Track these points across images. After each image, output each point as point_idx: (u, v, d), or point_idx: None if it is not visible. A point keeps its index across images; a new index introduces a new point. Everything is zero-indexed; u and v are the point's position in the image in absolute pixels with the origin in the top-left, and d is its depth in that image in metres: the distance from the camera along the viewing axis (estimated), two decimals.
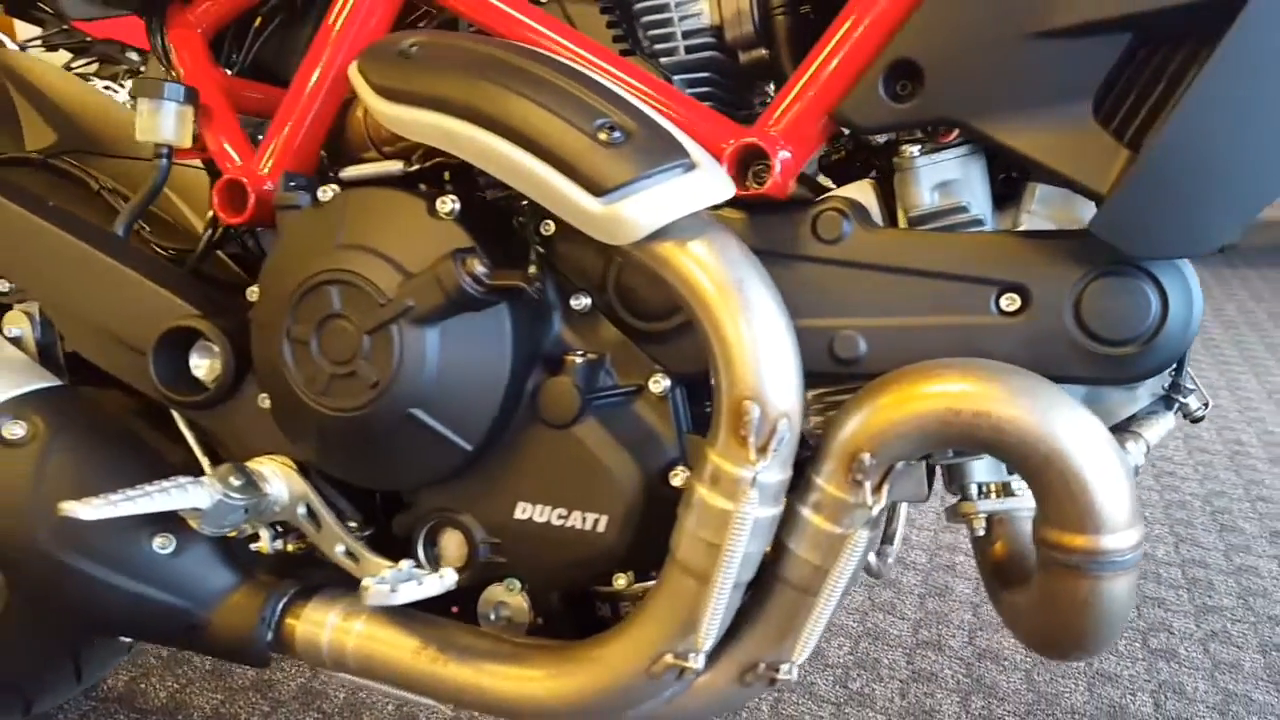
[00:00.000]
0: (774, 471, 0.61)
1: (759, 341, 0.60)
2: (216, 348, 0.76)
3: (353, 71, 0.70)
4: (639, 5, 0.74)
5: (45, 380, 0.80)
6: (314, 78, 0.77)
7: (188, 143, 0.81)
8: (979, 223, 0.68)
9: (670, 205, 0.59)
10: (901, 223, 0.71)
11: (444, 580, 0.69)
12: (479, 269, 0.66)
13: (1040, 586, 0.63)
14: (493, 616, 0.76)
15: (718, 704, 0.70)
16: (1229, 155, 0.54)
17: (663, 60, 0.74)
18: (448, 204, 0.69)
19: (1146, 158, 0.54)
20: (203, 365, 0.77)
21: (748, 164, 0.65)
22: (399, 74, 0.67)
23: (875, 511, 0.62)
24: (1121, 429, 0.68)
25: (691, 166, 0.60)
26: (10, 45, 1.09)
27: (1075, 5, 0.55)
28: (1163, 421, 0.68)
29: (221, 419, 0.78)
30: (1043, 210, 0.71)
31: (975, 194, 0.69)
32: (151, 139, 0.80)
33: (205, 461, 0.80)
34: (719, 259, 0.61)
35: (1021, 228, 0.70)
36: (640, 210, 0.59)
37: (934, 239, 0.66)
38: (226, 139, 0.82)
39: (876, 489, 0.62)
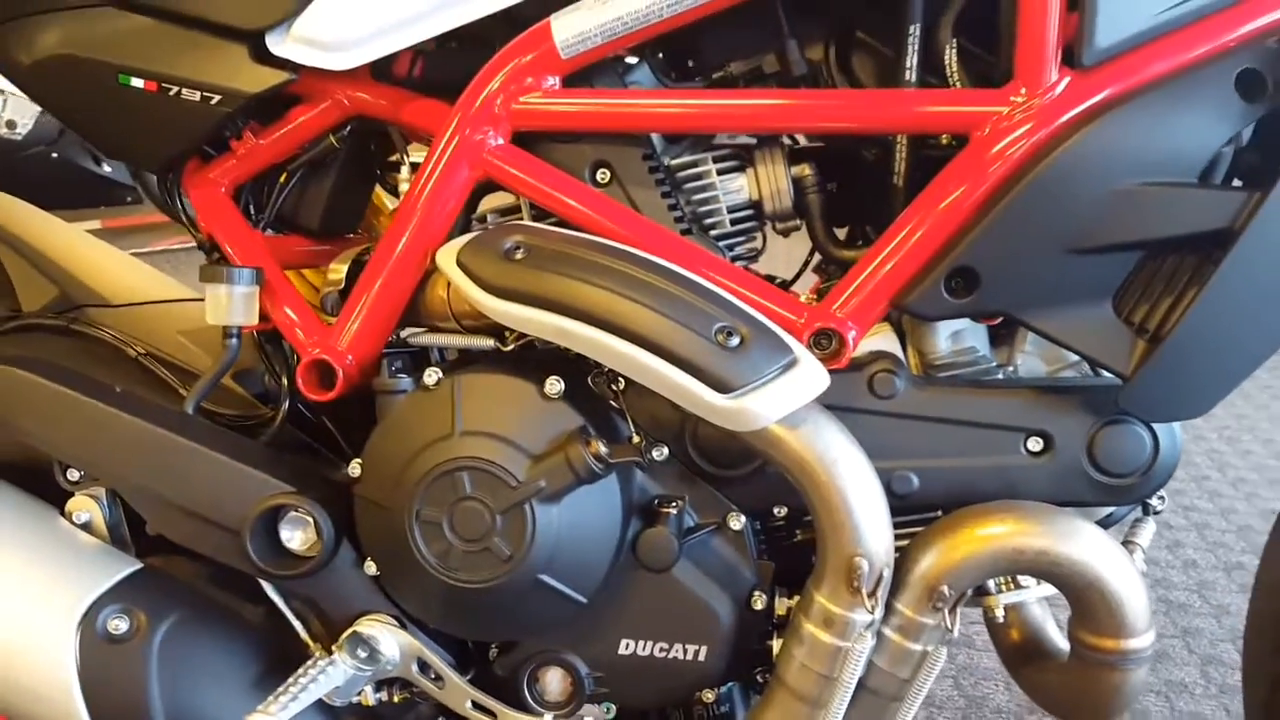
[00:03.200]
0: (878, 612, 0.74)
1: (862, 509, 0.72)
2: (310, 520, 0.80)
3: (450, 266, 0.76)
4: (688, 185, 0.84)
5: (127, 564, 0.81)
6: (395, 255, 0.82)
7: (255, 320, 0.84)
8: (986, 362, 0.83)
9: (785, 401, 0.69)
10: (914, 363, 0.85)
11: None
12: (602, 450, 0.74)
13: (1073, 673, 0.79)
14: None
15: None
16: (1227, 348, 0.70)
17: (711, 233, 0.84)
18: (556, 385, 0.77)
19: (1163, 352, 0.70)
20: (295, 537, 0.81)
21: (819, 338, 0.76)
22: (508, 274, 0.74)
23: (953, 634, 0.75)
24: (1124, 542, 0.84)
25: (795, 362, 0.71)
26: None
27: (1103, 231, 0.70)
28: (1148, 528, 0.86)
29: (315, 585, 0.82)
30: (1034, 350, 0.86)
31: (979, 339, 0.84)
32: (222, 322, 0.83)
33: (300, 628, 0.83)
34: (822, 440, 0.72)
35: (1017, 367, 0.85)
36: (761, 406, 0.69)
37: (970, 392, 0.79)
38: (293, 311, 0.85)
39: (951, 613, 0.75)
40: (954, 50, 0.76)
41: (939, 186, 0.73)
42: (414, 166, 0.88)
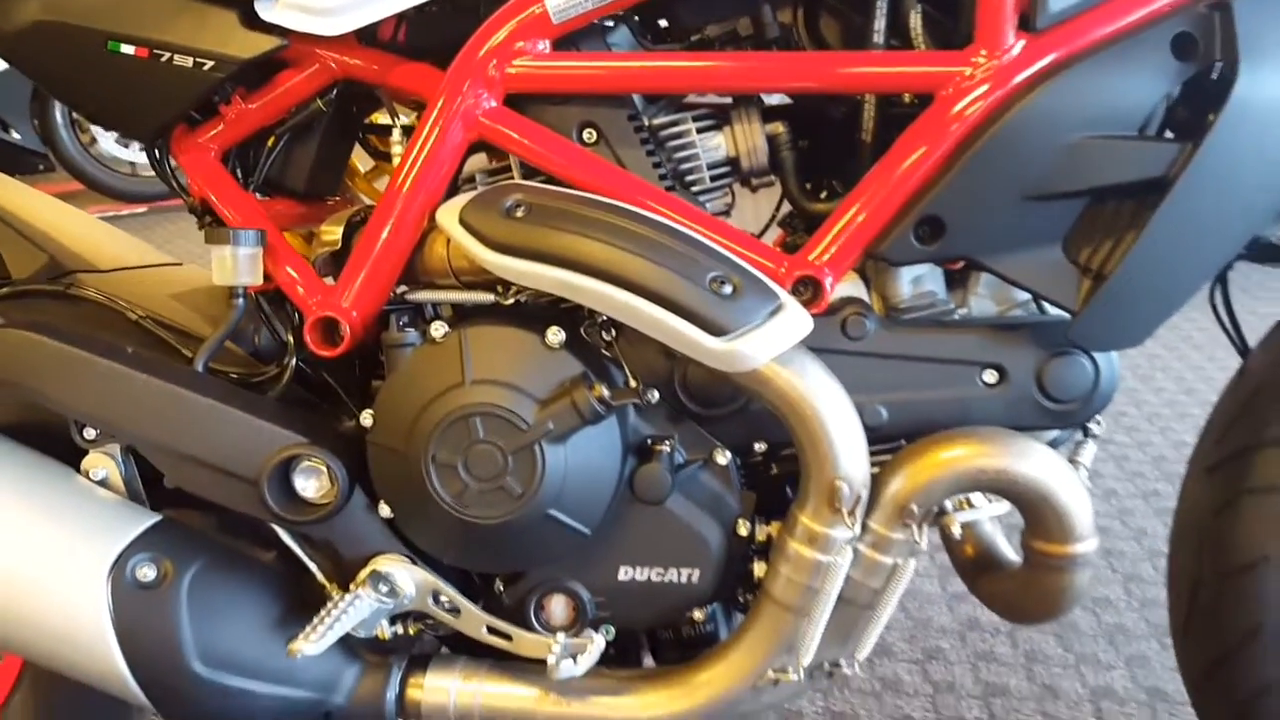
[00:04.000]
0: (856, 529, 0.81)
1: (842, 439, 0.79)
2: (324, 469, 0.85)
3: (453, 225, 0.80)
4: (670, 142, 0.89)
5: (147, 516, 0.85)
6: (394, 215, 0.85)
7: (260, 280, 0.87)
8: (944, 304, 0.91)
9: (774, 343, 0.76)
10: (878, 306, 0.92)
11: (596, 647, 0.84)
12: (604, 393, 0.80)
13: (1025, 579, 0.88)
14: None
15: (797, 693, 0.90)
16: (1161, 284, 0.78)
17: (692, 188, 0.90)
18: (557, 335, 0.82)
19: (1106, 288, 0.78)
20: (309, 485, 0.85)
21: (799, 285, 0.83)
22: (511, 232, 0.79)
23: (922, 547, 0.83)
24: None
25: (782, 307, 0.78)
26: None
27: (1055, 180, 0.78)
28: (1089, 449, 0.95)
29: (329, 529, 0.87)
30: (986, 292, 0.94)
31: (937, 283, 0.92)
32: (229, 283, 0.86)
33: (316, 570, 0.88)
34: (807, 378, 0.79)
35: (971, 308, 0.93)
36: (753, 348, 0.75)
37: (932, 332, 0.87)
38: (294, 270, 0.89)
39: (919, 528, 0.83)
40: (918, 15, 0.83)
41: (906, 142, 0.80)
42: (404, 130, 0.92)
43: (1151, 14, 0.78)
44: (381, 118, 1.06)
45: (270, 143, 0.95)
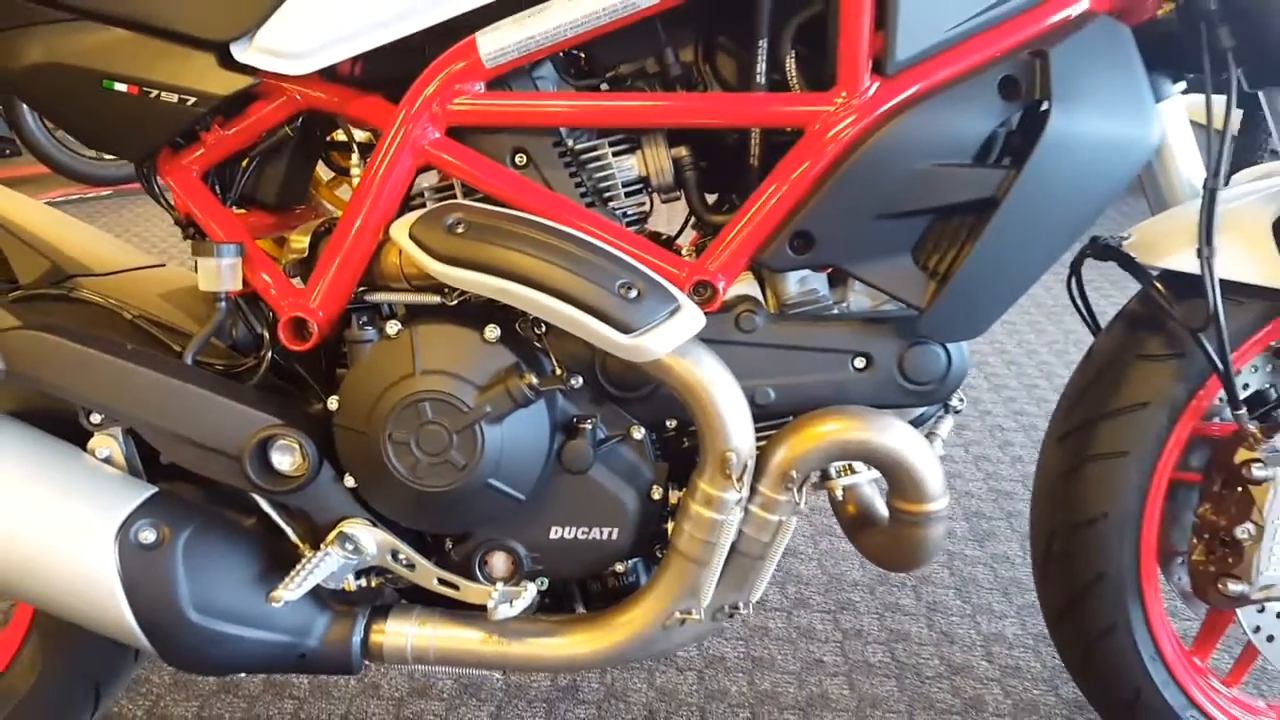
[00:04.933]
0: (745, 492, 0.98)
1: (731, 416, 0.95)
2: (297, 446, 1.00)
3: (404, 239, 0.95)
4: (590, 165, 1.04)
5: (145, 488, 0.99)
6: (355, 228, 1.00)
7: (240, 286, 1.02)
8: (826, 300, 1.07)
9: (672, 338, 0.91)
10: (771, 304, 1.08)
11: (529, 593, 1.00)
12: (534, 380, 0.96)
13: (891, 534, 1.05)
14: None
15: (703, 633, 1.06)
16: (993, 286, 0.95)
17: (610, 205, 1.05)
18: (494, 331, 0.98)
19: (947, 289, 0.94)
20: (285, 461, 1.00)
21: (698, 288, 0.99)
22: (453, 245, 0.93)
23: (802, 506, 1.00)
24: (926, 434, 1.10)
25: (679, 308, 0.93)
26: None
27: (904, 201, 0.93)
28: (947, 423, 1.11)
29: (302, 497, 1.02)
30: (862, 289, 1.10)
31: (820, 282, 1.08)
32: (214, 289, 1.00)
33: (290, 532, 1.03)
34: (701, 366, 0.95)
35: (850, 303, 1.09)
36: (654, 342, 0.91)
37: (811, 325, 1.03)
38: (267, 275, 1.03)
39: (799, 491, 1.00)
40: (793, 60, 0.98)
41: (782, 169, 0.96)
42: (361, 152, 1.07)
43: (982, 60, 0.94)
44: (340, 137, 1.21)
45: (245, 163, 1.09)
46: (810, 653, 1.57)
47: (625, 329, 0.91)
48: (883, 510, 1.14)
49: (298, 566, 0.97)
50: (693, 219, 1.15)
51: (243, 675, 1.49)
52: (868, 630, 1.63)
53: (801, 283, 1.07)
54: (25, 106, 4.76)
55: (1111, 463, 1.15)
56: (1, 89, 1.04)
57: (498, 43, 0.95)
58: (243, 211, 1.12)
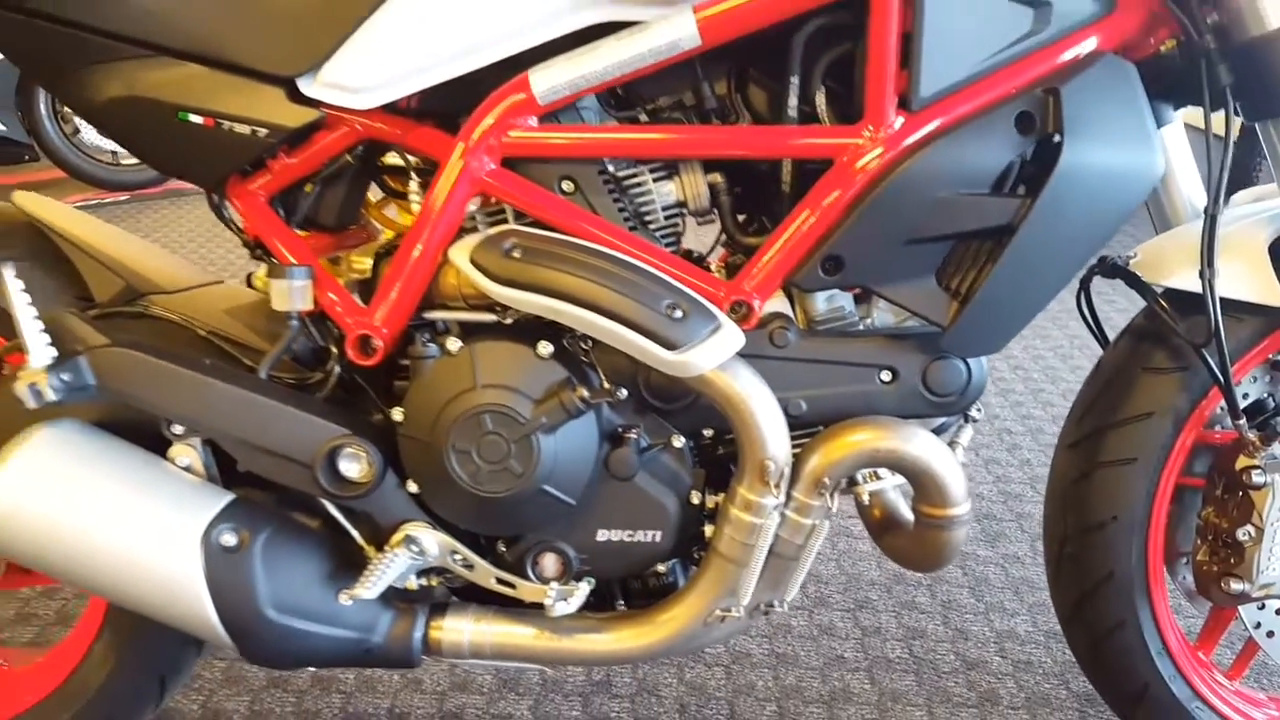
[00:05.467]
0: (781, 497, 1.05)
1: (769, 427, 1.03)
2: (363, 454, 1.07)
3: (464, 263, 1.03)
4: (631, 191, 1.12)
5: (224, 494, 1.07)
6: (416, 252, 1.07)
7: (310, 306, 1.09)
8: (852, 316, 1.14)
9: (715, 355, 0.99)
10: (800, 319, 1.15)
11: (583, 592, 1.08)
12: (585, 393, 1.03)
13: (916, 536, 1.12)
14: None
15: (739, 629, 1.14)
16: (1011, 306, 1.02)
17: (649, 225, 1.13)
18: (546, 347, 1.05)
19: (969, 309, 1.02)
20: (352, 468, 1.08)
21: (735, 307, 1.06)
22: (510, 269, 1.01)
23: (833, 511, 1.07)
24: (948, 442, 1.17)
25: (720, 327, 1.01)
26: (40, 198, 1.24)
27: (928, 227, 1.01)
28: (968, 432, 1.19)
29: (367, 502, 1.09)
30: (885, 306, 1.17)
31: (847, 300, 1.15)
32: (286, 309, 1.08)
33: (356, 534, 1.11)
34: (740, 380, 1.02)
35: (874, 318, 1.16)
36: (698, 358, 0.98)
37: (841, 341, 1.10)
38: (334, 294, 1.11)
39: (831, 496, 1.07)
40: (823, 94, 1.05)
41: (813, 197, 1.03)
42: (419, 179, 1.14)
43: (999, 96, 1.01)
44: (390, 160, 1.28)
45: (308, 188, 1.16)
46: (832, 649, 1.64)
47: (671, 346, 0.98)
48: (906, 514, 1.21)
49: (370, 568, 1.05)
50: (722, 239, 1.23)
51: (292, 671, 1.57)
52: (886, 627, 1.70)
53: (829, 300, 1.14)
54: (43, 111, 4.85)
55: (1120, 469, 1.23)
56: (82, 117, 1.12)
57: (550, 81, 1.03)
58: (305, 233, 1.19)
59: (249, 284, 1.28)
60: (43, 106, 4.86)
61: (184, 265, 1.29)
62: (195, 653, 1.33)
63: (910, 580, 1.83)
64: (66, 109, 4.91)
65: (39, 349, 0.99)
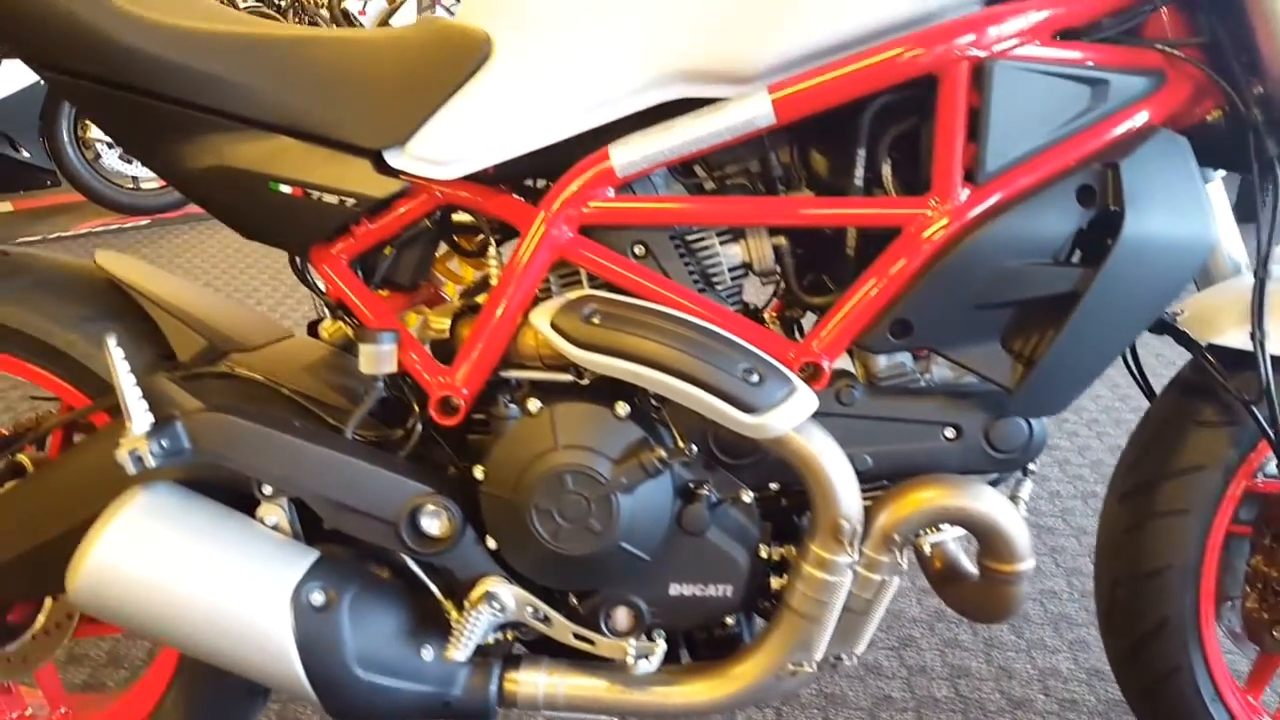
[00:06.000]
0: (856, 556, 1.09)
1: (842, 486, 1.06)
2: (444, 511, 1.11)
3: (546, 327, 1.06)
4: (700, 253, 1.16)
5: (311, 552, 1.10)
6: (498, 315, 1.11)
7: (395, 368, 1.13)
8: (912, 372, 1.17)
9: (791, 418, 1.02)
10: (860, 374, 1.19)
11: (661, 649, 1.11)
12: (662, 453, 1.07)
13: (982, 590, 1.15)
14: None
15: (805, 683, 1.17)
16: (1074, 368, 1.06)
17: (716, 287, 1.17)
18: (624, 408, 1.09)
19: (1034, 372, 1.06)
20: (434, 525, 1.11)
21: (805, 368, 1.10)
22: (591, 334, 1.04)
23: (904, 567, 1.11)
24: (1009, 497, 1.21)
25: (794, 390, 1.04)
26: (121, 257, 1.28)
27: (994, 294, 1.05)
28: (1027, 485, 1.22)
29: (448, 557, 1.13)
30: (944, 363, 1.21)
31: (907, 357, 1.18)
32: (373, 372, 1.11)
33: (435, 589, 1.14)
34: (814, 441, 1.06)
35: (933, 374, 1.20)
36: (776, 421, 1.02)
37: (905, 399, 1.14)
38: (415, 355, 1.15)
39: (901, 553, 1.11)
40: (889, 166, 1.09)
41: (882, 264, 1.07)
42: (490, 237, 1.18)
43: (1059, 168, 1.05)
44: (458, 219, 1.32)
45: (386, 251, 1.20)
46: (879, 689, 1.67)
47: (749, 410, 1.02)
48: (966, 565, 1.24)
49: (457, 628, 1.08)
50: (777, 292, 1.26)
51: None
52: (931, 666, 1.73)
53: (890, 357, 1.17)
54: (66, 138, 4.91)
55: (1173, 520, 1.26)
56: (173, 186, 1.16)
57: (630, 155, 1.07)
58: (384, 293, 1.23)
59: (310, 331, 1.33)
60: (65, 133, 4.93)
61: (257, 318, 1.33)
62: (263, 700, 1.36)
63: (951, 617, 1.86)
64: (89, 134, 4.98)
65: (139, 416, 1.02)
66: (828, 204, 1.09)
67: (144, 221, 5.16)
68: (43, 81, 1.11)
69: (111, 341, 1.03)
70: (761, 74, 1.04)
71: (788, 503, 1.22)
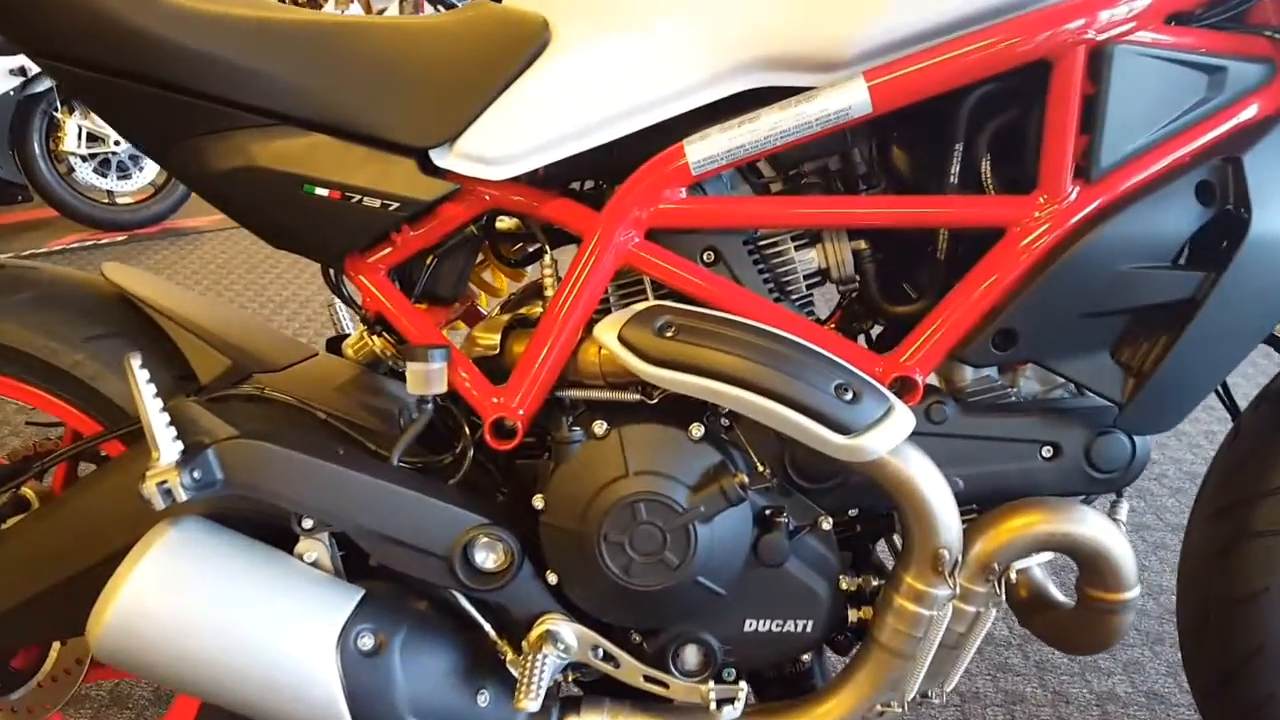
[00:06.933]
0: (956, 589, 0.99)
1: (943, 513, 0.97)
2: (500, 543, 1.01)
3: (614, 343, 0.97)
4: (773, 259, 1.06)
5: (355, 591, 0.99)
6: (556, 329, 1.01)
7: (445, 389, 1.02)
8: (999, 385, 1.09)
9: (889, 439, 0.93)
10: (941, 388, 1.10)
11: (744, 693, 1.01)
12: (745, 479, 0.97)
13: (1079, 619, 1.07)
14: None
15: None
16: (1190, 382, 0.97)
17: (790, 294, 1.07)
18: (699, 429, 0.99)
19: (1148, 386, 0.97)
20: (489, 558, 1.01)
21: (896, 383, 1.01)
22: (666, 349, 0.95)
23: (1001, 599, 1.02)
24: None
25: (892, 409, 0.95)
26: (136, 272, 1.17)
27: (1108, 301, 0.96)
28: (1124, 506, 1.14)
29: (503, 593, 1.02)
30: (1032, 375, 1.12)
31: (992, 369, 1.10)
32: (422, 393, 1.01)
33: (490, 629, 1.04)
34: (913, 464, 0.97)
35: (1020, 387, 1.11)
36: (874, 443, 0.92)
37: (1000, 415, 1.05)
38: (465, 373, 1.04)
39: (999, 583, 1.02)
40: (987, 162, 1.01)
41: (983, 269, 0.98)
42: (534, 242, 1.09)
43: (1174, 163, 0.96)
44: (501, 225, 1.22)
45: (428, 260, 1.10)
46: (932, 718, 1.58)
47: (844, 431, 0.92)
48: (1054, 593, 1.15)
49: (523, 676, 0.97)
50: (842, 299, 1.17)
51: None
52: (984, 692, 1.64)
53: (976, 370, 1.09)
54: (37, 150, 4.76)
55: (1272, 539, 1.18)
56: (192, 189, 1.05)
57: (706, 151, 0.97)
58: (423, 306, 1.13)
59: (330, 347, 1.22)
60: (36, 145, 4.78)
61: (279, 335, 1.22)
62: None
63: (999, 640, 1.77)
64: (61, 147, 4.83)
65: (167, 444, 0.92)
66: (924, 204, 1.00)
67: (120, 238, 4.99)
68: (47, 77, 1.00)
69: (135, 362, 0.92)
70: (853, 60, 0.95)
71: (864, 528, 1.13)
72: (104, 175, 4.94)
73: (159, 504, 0.91)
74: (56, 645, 1.17)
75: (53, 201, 4.87)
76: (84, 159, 4.90)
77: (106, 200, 5.05)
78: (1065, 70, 0.93)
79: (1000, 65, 0.93)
